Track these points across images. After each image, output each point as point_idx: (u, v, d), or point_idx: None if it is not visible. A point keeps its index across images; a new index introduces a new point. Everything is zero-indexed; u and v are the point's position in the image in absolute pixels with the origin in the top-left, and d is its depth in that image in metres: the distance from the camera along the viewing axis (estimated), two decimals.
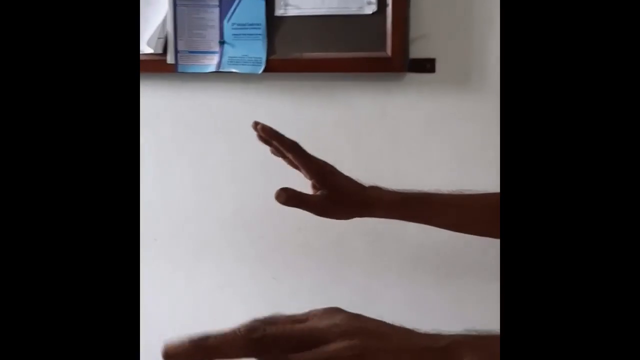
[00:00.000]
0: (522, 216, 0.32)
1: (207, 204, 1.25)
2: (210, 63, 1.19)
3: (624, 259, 0.29)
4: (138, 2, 0.70)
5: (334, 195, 0.69)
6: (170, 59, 1.19)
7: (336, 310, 0.35)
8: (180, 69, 1.19)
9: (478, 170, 1.08)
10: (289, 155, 0.70)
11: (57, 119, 0.37)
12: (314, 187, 0.70)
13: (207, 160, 1.24)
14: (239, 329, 0.33)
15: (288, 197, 0.65)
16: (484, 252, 1.08)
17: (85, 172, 0.37)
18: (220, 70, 1.17)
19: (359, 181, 0.72)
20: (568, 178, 0.31)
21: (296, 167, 0.74)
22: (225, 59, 1.18)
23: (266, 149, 1.25)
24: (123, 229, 0.37)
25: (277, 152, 0.74)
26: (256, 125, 0.70)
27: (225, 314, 1.27)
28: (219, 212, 1.24)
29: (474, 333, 0.33)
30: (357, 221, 1.16)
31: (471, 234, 0.72)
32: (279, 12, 1.14)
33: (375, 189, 0.71)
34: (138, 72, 0.43)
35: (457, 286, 1.13)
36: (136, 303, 0.37)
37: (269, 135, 0.69)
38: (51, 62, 0.37)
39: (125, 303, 0.36)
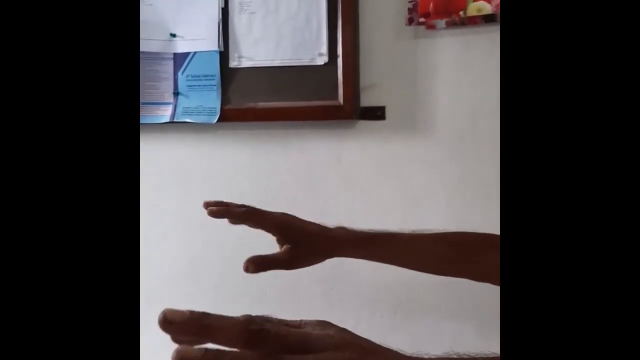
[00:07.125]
0: (523, 253, 0.33)
1: (161, 255, 1.24)
2: (164, 114, 1.20)
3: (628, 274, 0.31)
4: (138, 58, 0.71)
5: (299, 245, 0.70)
6: None
7: (328, 323, 0.37)
8: None
9: (427, 211, 1.11)
10: (246, 224, 0.71)
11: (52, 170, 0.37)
12: (278, 241, 0.71)
13: (161, 211, 1.23)
14: (238, 318, 0.33)
15: (256, 265, 0.67)
16: (438, 293, 1.10)
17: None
18: (175, 120, 1.18)
19: (322, 224, 0.73)
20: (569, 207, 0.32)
21: (258, 228, 0.74)
22: (179, 109, 1.19)
23: (221, 198, 1.23)
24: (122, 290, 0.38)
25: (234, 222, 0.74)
26: (206, 206, 0.71)
27: None
28: (172, 262, 1.23)
29: (454, 356, 0.34)
30: (312, 269, 1.16)
31: (435, 273, 0.74)
32: (233, 63, 1.17)
33: (340, 229, 0.73)
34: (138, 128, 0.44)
35: (414, 329, 1.14)
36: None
37: (218, 215, 0.70)
38: (44, 111, 0.38)
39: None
